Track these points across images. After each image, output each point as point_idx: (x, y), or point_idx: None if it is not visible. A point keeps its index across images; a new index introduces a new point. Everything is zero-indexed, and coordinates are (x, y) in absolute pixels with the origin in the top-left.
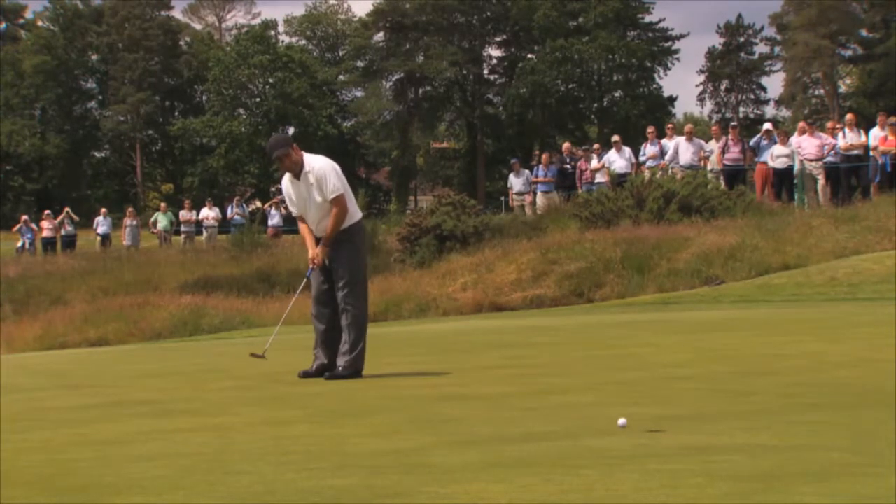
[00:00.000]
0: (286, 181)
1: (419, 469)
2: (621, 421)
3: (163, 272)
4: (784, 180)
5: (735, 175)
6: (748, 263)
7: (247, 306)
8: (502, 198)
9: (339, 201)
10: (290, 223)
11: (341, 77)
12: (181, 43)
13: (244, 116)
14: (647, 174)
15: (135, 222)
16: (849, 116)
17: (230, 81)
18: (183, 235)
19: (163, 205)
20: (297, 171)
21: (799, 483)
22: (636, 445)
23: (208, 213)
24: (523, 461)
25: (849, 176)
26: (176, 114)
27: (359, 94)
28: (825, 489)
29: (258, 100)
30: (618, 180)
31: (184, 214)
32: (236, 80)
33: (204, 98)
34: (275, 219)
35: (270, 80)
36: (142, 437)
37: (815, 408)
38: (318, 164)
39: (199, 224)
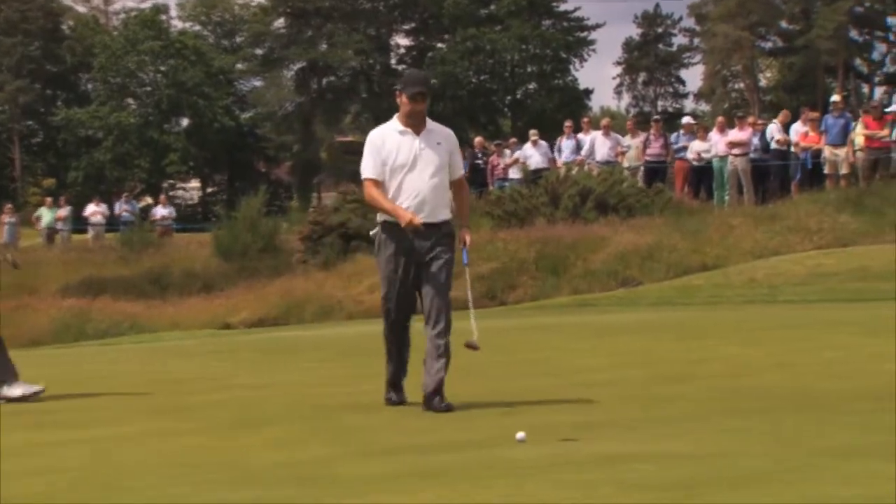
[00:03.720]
0: (384, 131)
1: (320, 481)
2: (520, 435)
3: (44, 273)
4: (703, 177)
5: (656, 172)
6: (666, 264)
7: (137, 310)
8: None
9: (465, 181)
10: (183, 220)
11: (239, 65)
12: (64, 27)
13: (133, 107)
14: (562, 170)
15: (13, 219)
16: (784, 112)
17: (118, 69)
18: (61, 233)
19: (48, 199)
20: (420, 124)
21: (714, 491)
22: (549, 455)
23: (94, 210)
24: (431, 472)
25: (770, 174)
26: (59, 103)
27: (258, 83)
28: (741, 497)
29: (149, 89)
30: (532, 177)
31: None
32: (124, 68)
33: (89, 87)
34: (162, 213)
35: (162, 68)
36: (20, 451)
37: (733, 413)
38: (449, 132)
39: (83, 221)
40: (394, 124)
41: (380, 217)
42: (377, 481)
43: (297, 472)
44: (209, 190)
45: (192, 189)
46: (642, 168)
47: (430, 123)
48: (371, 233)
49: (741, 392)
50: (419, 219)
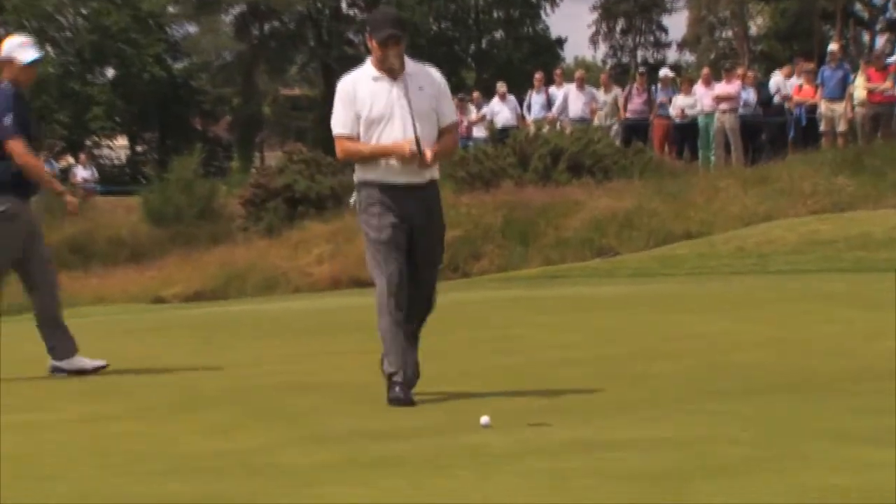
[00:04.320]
0: (356, 78)
1: (265, 471)
2: (484, 419)
3: None
4: (687, 135)
5: (635, 130)
6: (646, 232)
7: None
8: None
9: (455, 128)
10: (109, 182)
11: (171, 9)
12: None
13: (52, 55)
14: (531, 128)
15: None
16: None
17: (33, 11)
18: None
19: None
20: (397, 69)
21: (697, 481)
22: (517, 442)
23: None
24: (387, 461)
25: (761, 131)
26: None
27: (193, 29)
28: (725, 487)
29: (69, 34)
30: (499, 135)
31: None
32: (41, 11)
33: (1, 31)
34: (83, 175)
35: (84, 11)
36: None
37: (718, 395)
38: (435, 73)
39: None
40: (367, 69)
41: (358, 175)
42: (327, 471)
43: (240, 460)
44: (138, 148)
45: (118, 147)
46: (615, 126)
47: (411, 64)
48: (350, 200)
49: (728, 371)
50: (413, 148)
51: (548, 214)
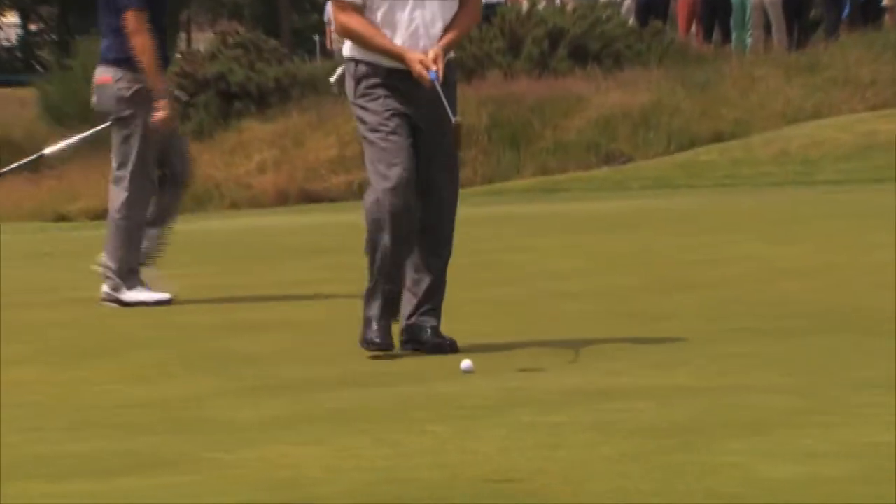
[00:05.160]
0: None
1: (196, 426)
2: (465, 364)
3: None
4: (718, 12)
5: (654, 6)
6: (666, 133)
7: None
8: (316, 37)
9: (479, 7)
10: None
11: None
12: None
13: None
14: (524, 4)
15: None
16: None
17: None
18: None
19: None
20: None
21: (724, 437)
22: (504, 390)
23: None
24: (346, 415)
25: (809, 7)
26: None
27: None
28: (757, 445)
29: None
30: (484, 12)
31: None
32: None
33: None
34: None
35: None
36: None
37: (750, 335)
38: None
39: None
40: None
41: (353, 52)
42: (273, 426)
43: (167, 414)
44: (32, 27)
45: (8, 27)
46: (628, 2)
47: None
48: (333, 78)
49: (761, 306)
50: (432, 66)
51: (544, 112)
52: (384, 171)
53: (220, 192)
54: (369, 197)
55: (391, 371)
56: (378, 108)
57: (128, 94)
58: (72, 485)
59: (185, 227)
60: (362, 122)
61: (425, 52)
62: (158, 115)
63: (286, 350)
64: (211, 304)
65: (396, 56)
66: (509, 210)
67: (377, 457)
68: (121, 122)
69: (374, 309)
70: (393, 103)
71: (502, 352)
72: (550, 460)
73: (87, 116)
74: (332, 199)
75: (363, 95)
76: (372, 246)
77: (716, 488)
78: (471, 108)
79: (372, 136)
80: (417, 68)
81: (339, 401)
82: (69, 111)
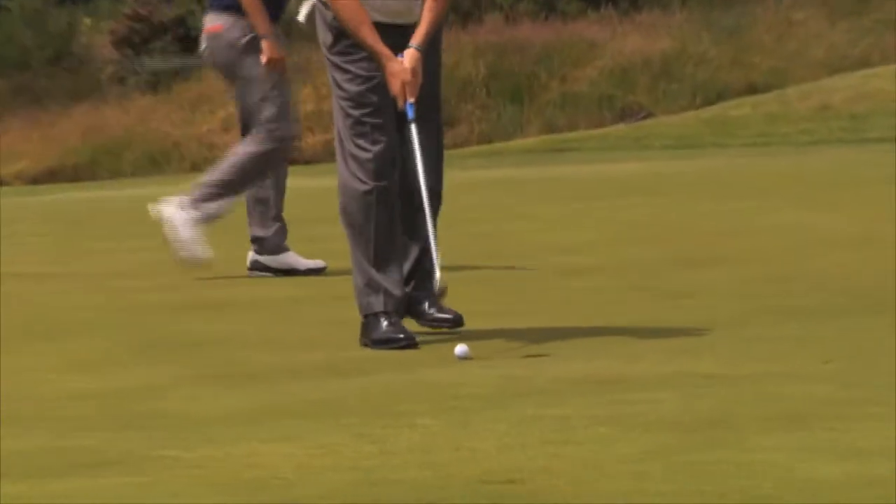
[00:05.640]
0: None
1: (148, 421)
2: (460, 349)
3: None
4: None
5: None
6: (690, 85)
7: None
8: None
9: None
10: None
11: None
12: None
13: None
14: None
15: None
16: None
17: None
18: None
19: None
20: None
21: (756, 432)
22: (504, 379)
23: None
24: (325, 407)
25: None
26: None
27: None
28: (796, 441)
29: None
30: None
31: None
32: None
33: None
34: None
35: None
36: None
37: (787, 315)
38: None
39: None
40: None
41: None
42: (239, 421)
43: (114, 406)
44: None
45: None
46: None
47: None
48: (301, 17)
49: (800, 282)
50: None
51: (551, 61)
52: (360, 147)
53: (179, 153)
54: (342, 169)
55: (375, 357)
56: (360, 71)
57: (242, 41)
58: (1, 487)
59: (140, 191)
60: (339, 87)
61: (402, 57)
62: (265, 57)
63: (253, 333)
64: (170, 281)
65: (376, 57)
66: (510, 174)
67: (359, 455)
68: (238, 71)
69: (378, 305)
70: (375, 67)
71: (502, 336)
72: (557, 458)
73: (26, 65)
74: (307, 162)
75: (342, 54)
76: (353, 226)
77: (748, 490)
78: (466, 57)
79: (349, 103)
80: (396, 87)
81: (315, 391)
82: (7, 58)
